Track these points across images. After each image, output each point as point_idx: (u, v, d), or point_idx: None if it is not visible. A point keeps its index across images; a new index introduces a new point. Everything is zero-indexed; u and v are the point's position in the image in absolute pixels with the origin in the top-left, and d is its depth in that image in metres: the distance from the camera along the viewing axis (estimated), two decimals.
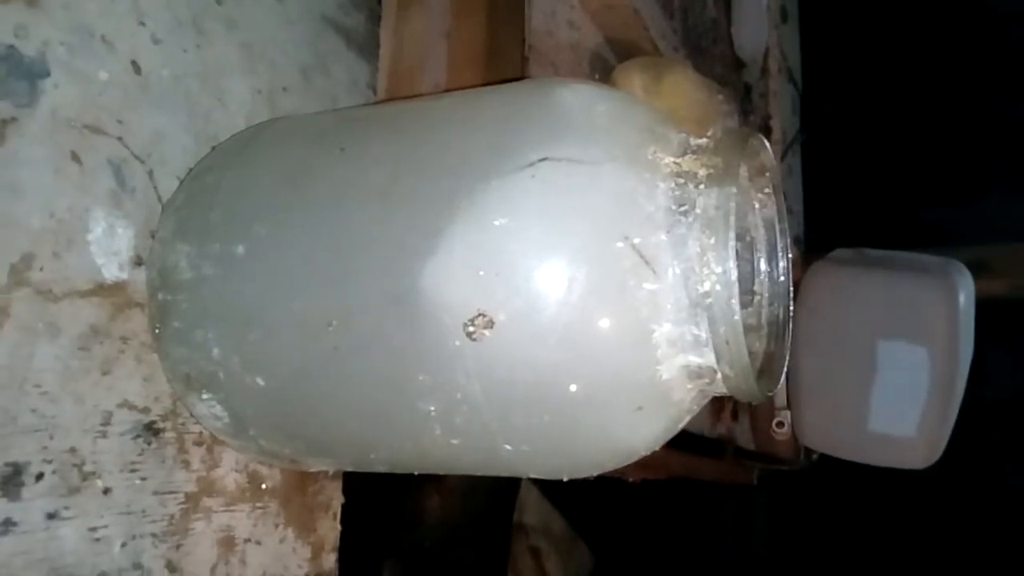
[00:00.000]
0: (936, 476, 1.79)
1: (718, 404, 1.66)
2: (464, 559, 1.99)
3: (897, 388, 1.70)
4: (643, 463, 0.55)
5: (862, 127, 2.71)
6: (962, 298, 1.67)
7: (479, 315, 0.49)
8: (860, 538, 2.78)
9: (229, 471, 0.68)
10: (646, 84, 1.13)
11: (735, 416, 1.78)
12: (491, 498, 2.10)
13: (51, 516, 0.55)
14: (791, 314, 0.59)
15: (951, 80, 2.72)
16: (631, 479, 1.59)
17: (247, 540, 0.69)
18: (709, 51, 1.54)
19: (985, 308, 1.74)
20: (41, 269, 0.56)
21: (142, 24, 0.63)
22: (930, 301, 1.68)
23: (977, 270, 1.78)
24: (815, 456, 1.99)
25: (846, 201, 2.59)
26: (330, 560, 0.77)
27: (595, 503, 2.28)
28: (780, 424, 1.83)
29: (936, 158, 2.73)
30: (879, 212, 2.74)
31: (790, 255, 0.59)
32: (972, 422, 1.76)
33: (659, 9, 1.26)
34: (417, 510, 1.88)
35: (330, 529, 0.77)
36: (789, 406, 1.83)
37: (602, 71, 1.22)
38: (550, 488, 2.21)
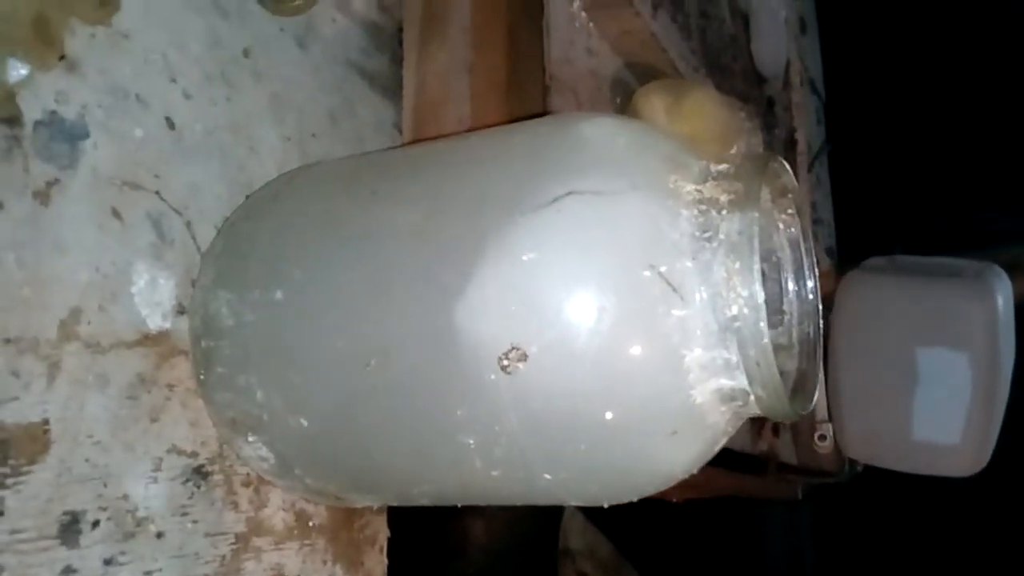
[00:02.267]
0: (984, 483, 1.76)
1: (759, 421, 1.66)
2: None
3: (939, 395, 1.68)
4: (687, 483, 0.56)
5: (888, 133, 2.70)
6: (1000, 301, 1.65)
7: (512, 348, 0.50)
8: (909, 548, 2.74)
9: (277, 510, 0.69)
10: (667, 106, 1.14)
11: (776, 432, 1.77)
12: (536, 524, 2.10)
13: (108, 562, 0.57)
14: (821, 332, 0.59)
15: (975, 80, 2.69)
16: (675, 499, 1.59)
17: None
18: (730, 68, 1.55)
19: None
20: (89, 323, 0.58)
21: (173, 81, 0.66)
22: (968, 305, 1.67)
23: (1013, 271, 1.76)
24: (859, 467, 1.97)
25: (877, 209, 2.57)
26: None
27: (640, 525, 2.26)
28: (822, 437, 1.81)
29: (964, 159, 2.71)
30: (910, 218, 2.72)
31: (817, 273, 0.59)
32: (1018, 426, 1.73)
33: (677, 31, 1.27)
34: (462, 537, 1.88)
35: (377, 563, 0.78)
36: (830, 418, 1.82)
37: (623, 95, 1.23)
38: (594, 512, 2.20)
